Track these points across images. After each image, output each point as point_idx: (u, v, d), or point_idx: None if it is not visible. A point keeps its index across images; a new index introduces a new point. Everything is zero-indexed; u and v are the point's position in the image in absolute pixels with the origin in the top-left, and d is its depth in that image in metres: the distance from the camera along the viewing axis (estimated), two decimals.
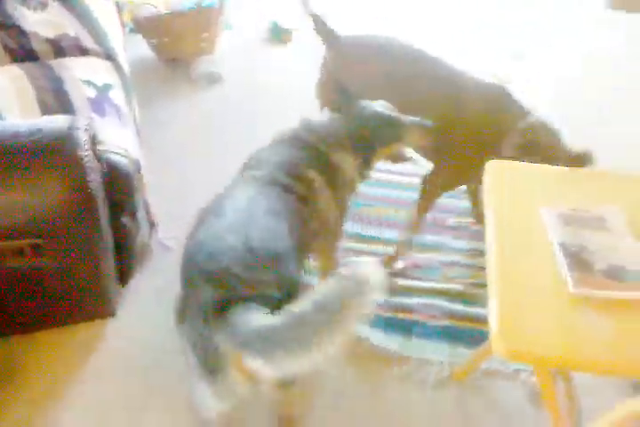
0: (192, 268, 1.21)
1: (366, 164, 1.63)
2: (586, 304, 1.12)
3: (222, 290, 1.13)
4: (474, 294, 1.91)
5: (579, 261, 1.21)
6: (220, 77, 3.03)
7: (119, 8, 2.75)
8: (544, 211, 1.33)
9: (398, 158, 1.78)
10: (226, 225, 1.26)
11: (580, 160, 1.55)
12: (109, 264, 1.68)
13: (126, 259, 1.75)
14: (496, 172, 1.47)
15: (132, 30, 3.13)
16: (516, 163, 1.52)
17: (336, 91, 1.67)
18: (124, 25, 2.71)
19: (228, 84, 3.01)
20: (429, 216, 2.23)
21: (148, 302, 1.87)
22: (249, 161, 1.54)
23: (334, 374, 1.70)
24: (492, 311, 1.12)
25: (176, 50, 3.02)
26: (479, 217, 2.00)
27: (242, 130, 2.65)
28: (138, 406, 1.61)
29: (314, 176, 1.49)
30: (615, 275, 1.18)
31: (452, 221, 2.24)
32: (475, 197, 2.13)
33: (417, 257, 2.07)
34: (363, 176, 1.64)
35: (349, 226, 2.11)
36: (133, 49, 2.96)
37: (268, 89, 2.96)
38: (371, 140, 1.60)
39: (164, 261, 1.96)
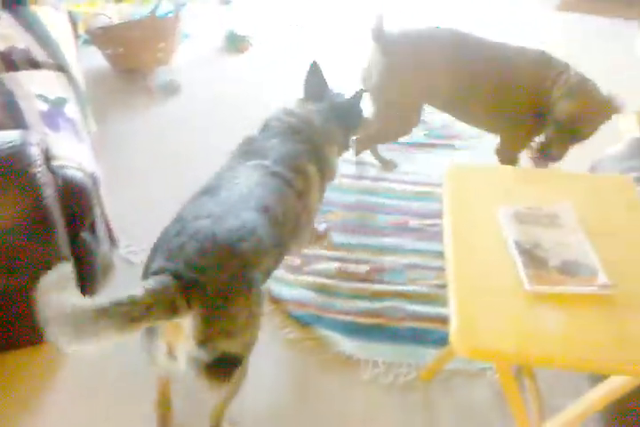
0: (162, 235, 1.25)
1: (341, 151, 1.72)
2: (541, 300, 1.15)
3: (158, 260, 1.17)
4: (438, 296, 1.94)
5: (533, 258, 1.24)
6: (178, 87, 3.01)
7: (73, 19, 2.72)
8: (501, 210, 1.36)
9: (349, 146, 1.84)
10: (209, 208, 1.27)
11: (615, 105, 1.81)
12: None
13: (87, 276, 1.72)
14: (455, 175, 1.50)
15: (85, 41, 3.10)
16: (474, 165, 1.56)
17: (311, 77, 1.72)
18: (77, 36, 2.68)
19: (187, 95, 2.99)
20: (391, 219, 2.26)
21: None
22: (249, 146, 1.53)
23: (300, 381, 1.70)
24: (452, 311, 1.14)
25: (132, 60, 2.99)
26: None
27: (200, 141, 2.64)
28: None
29: (312, 170, 1.53)
30: (568, 270, 1.21)
31: (413, 223, 2.27)
32: None
33: (380, 261, 2.09)
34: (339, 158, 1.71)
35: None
36: (88, 60, 2.93)
37: (225, 99, 2.96)
38: (348, 127, 1.70)
39: (127, 276, 1.94)
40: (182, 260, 1.15)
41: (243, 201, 1.31)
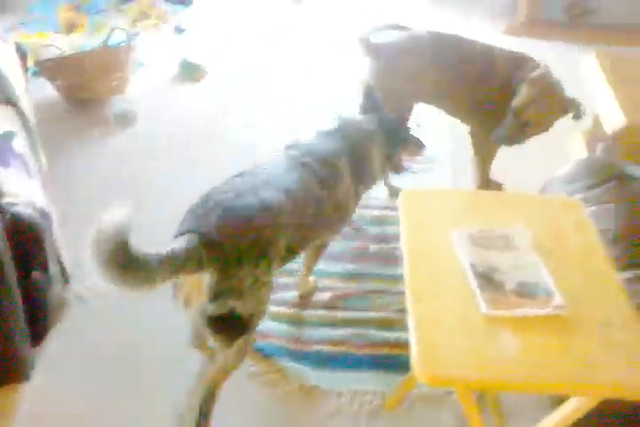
0: (191, 206, 1.43)
1: (388, 162, 1.84)
2: (499, 324, 1.16)
3: (187, 223, 1.37)
4: (402, 321, 1.91)
5: (489, 281, 1.25)
6: (134, 117, 2.97)
7: (22, 51, 2.68)
8: (455, 234, 1.37)
9: (399, 168, 1.98)
10: (235, 185, 1.46)
11: (574, 104, 1.88)
12: (20, 324, 1.58)
13: (39, 316, 1.66)
14: (409, 199, 1.52)
15: (35, 73, 3.04)
16: (428, 189, 1.58)
17: (365, 96, 1.88)
18: (26, 68, 2.63)
19: (143, 124, 2.96)
20: (352, 245, 2.26)
21: (67, 361, 1.76)
22: (291, 145, 1.70)
23: (264, 415, 1.67)
24: (412, 338, 1.14)
25: (86, 90, 2.95)
26: (484, 184, 2.30)
27: (157, 171, 2.60)
28: None
29: (342, 165, 1.65)
30: (525, 292, 1.23)
31: (373, 247, 2.27)
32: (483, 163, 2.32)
33: (343, 287, 2.08)
34: (383, 173, 1.85)
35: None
36: (38, 92, 2.87)
37: (181, 128, 2.93)
38: (393, 140, 1.83)
39: (82, 314, 1.88)
40: (206, 224, 1.34)
41: (266, 182, 1.48)
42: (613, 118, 2.21)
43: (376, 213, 2.43)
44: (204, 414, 1.48)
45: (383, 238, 2.30)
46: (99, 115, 2.96)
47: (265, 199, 1.43)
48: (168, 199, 2.37)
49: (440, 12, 4.19)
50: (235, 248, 1.33)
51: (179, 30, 3.93)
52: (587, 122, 2.77)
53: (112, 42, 3.03)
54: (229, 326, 1.41)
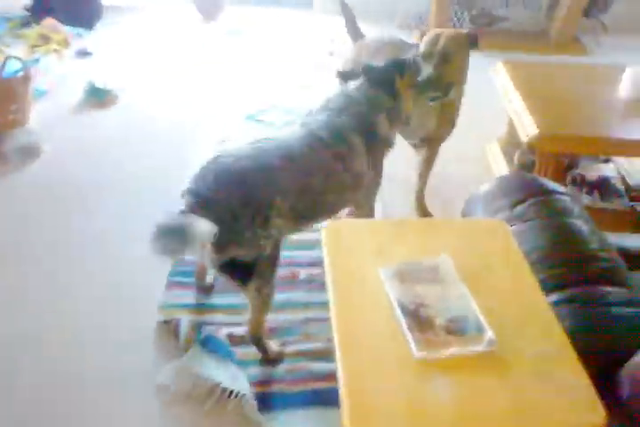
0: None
1: (395, 121, 1.89)
2: (431, 368, 1.10)
3: (189, 183, 1.58)
4: None
5: (418, 319, 1.20)
6: (37, 150, 2.75)
7: None
8: (381, 270, 1.31)
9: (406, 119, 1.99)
10: (241, 151, 1.64)
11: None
12: None
13: None
14: (333, 232, 1.45)
15: None
16: (352, 221, 1.52)
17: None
18: None
19: (48, 157, 2.74)
20: (280, 273, 2.16)
21: None
22: (305, 118, 1.85)
23: None
24: (341, 389, 1.06)
25: None
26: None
27: (66, 209, 2.40)
28: None
29: (356, 141, 1.77)
30: (455, 329, 1.18)
31: (303, 273, 2.19)
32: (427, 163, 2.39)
33: (272, 319, 1.98)
34: (394, 127, 1.91)
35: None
36: None
37: (89, 158, 2.76)
38: (388, 88, 1.86)
39: None
40: (202, 183, 1.55)
41: (271, 149, 1.64)
42: (527, 127, 2.23)
43: (305, 236, 2.35)
44: (260, 346, 1.78)
45: (311, 262, 2.22)
46: None
47: (261, 163, 1.59)
48: (79, 237, 2.23)
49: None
50: (226, 205, 1.50)
51: (84, 54, 3.74)
52: (502, 128, 2.84)
53: (7, 71, 2.82)
54: (236, 271, 1.61)
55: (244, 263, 1.60)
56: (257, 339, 1.78)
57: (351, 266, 1.35)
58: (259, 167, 1.58)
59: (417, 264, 1.32)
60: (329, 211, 1.87)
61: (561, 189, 1.70)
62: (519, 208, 1.58)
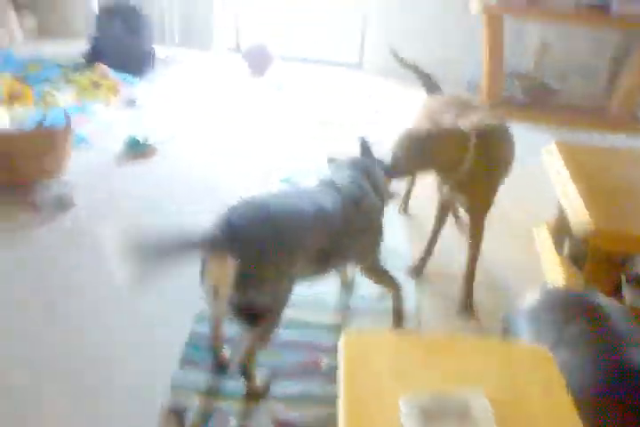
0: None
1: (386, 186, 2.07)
2: None
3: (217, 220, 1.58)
4: None
5: None
6: (70, 202, 2.71)
7: None
8: (402, 402, 1.14)
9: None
10: (267, 197, 1.73)
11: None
12: None
13: None
14: (352, 345, 1.29)
15: None
16: (376, 332, 1.36)
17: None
18: None
19: (81, 209, 2.70)
20: (295, 361, 2.00)
21: None
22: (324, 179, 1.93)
23: None
24: None
25: (13, 174, 2.69)
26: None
27: (97, 264, 2.28)
28: None
29: (366, 186, 1.91)
30: None
31: (325, 362, 2.01)
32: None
33: (287, 416, 1.80)
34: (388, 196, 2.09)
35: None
36: None
37: (122, 212, 2.69)
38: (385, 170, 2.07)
39: None
40: (234, 216, 1.56)
41: (300, 198, 1.74)
42: (581, 218, 2.06)
43: (327, 319, 2.20)
44: (247, 375, 1.75)
45: (333, 349, 2.05)
46: (28, 200, 2.66)
47: (289, 206, 1.66)
48: (107, 297, 2.13)
49: (407, 91, 4.11)
50: (254, 243, 1.52)
51: (130, 103, 3.76)
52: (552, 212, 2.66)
53: (51, 120, 2.83)
54: (251, 313, 1.60)
55: (259, 305, 1.60)
56: (245, 368, 1.75)
57: (369, 390, 1.18)
58: (287, 209, 1.64)
59: (444, 400, 1.15)
60: (345, 256, 1.93)
61: (618, 307, 1.50)
62: (568, 331, 1.39)
